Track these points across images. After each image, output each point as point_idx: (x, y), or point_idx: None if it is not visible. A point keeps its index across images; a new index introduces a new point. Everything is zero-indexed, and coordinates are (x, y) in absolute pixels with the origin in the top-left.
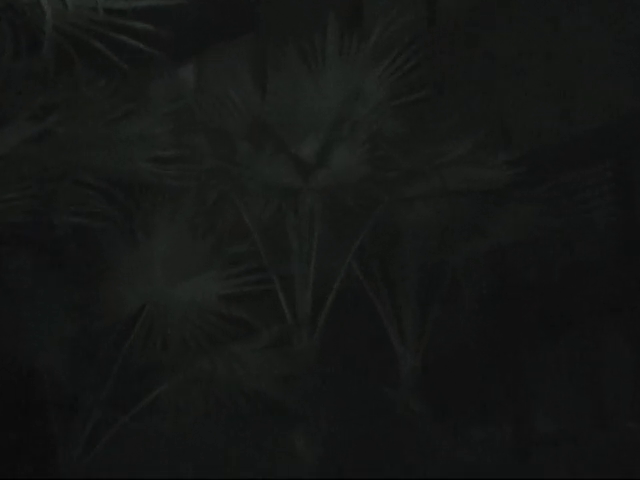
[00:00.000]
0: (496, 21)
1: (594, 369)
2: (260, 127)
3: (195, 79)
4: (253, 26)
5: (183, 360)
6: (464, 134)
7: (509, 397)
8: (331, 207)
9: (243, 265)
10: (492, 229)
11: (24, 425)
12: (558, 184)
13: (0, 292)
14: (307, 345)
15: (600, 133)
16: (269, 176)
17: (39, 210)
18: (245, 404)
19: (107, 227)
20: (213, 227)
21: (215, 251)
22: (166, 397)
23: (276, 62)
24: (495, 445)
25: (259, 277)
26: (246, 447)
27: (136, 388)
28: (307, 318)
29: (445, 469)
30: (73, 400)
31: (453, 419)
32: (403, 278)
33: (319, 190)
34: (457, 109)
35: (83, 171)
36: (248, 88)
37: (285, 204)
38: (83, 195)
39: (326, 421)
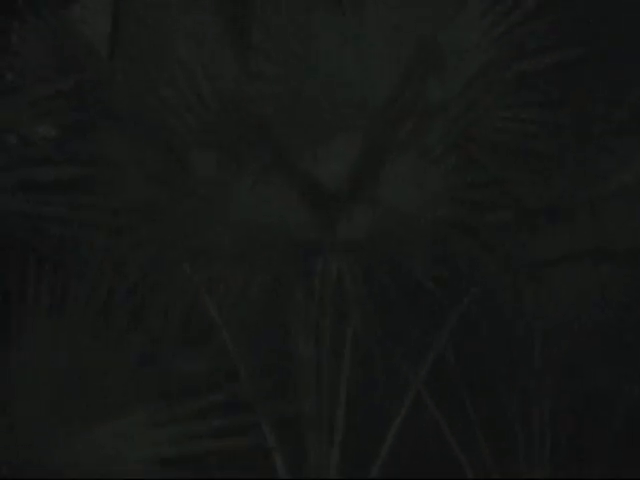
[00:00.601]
0: None
1: None
2: (241, 123)
3: (109, 29)
4: None
5: None
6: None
7: None
8: (378, 282)
9: (202, 398)
10: None
11: None
12: None
13: None
14: None
15: None
16: (256, 219)
17: None
18: None
19: None
20: (140, 322)
21: (147, 368)
22: None
23: None
24: None
25: (235, 421)
26: None
27: None
28: None
29: None
30: None
31: None
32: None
33: (354, 247)
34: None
35: None
36: (213, 46)
37: (288, 275)
38: None
39: None
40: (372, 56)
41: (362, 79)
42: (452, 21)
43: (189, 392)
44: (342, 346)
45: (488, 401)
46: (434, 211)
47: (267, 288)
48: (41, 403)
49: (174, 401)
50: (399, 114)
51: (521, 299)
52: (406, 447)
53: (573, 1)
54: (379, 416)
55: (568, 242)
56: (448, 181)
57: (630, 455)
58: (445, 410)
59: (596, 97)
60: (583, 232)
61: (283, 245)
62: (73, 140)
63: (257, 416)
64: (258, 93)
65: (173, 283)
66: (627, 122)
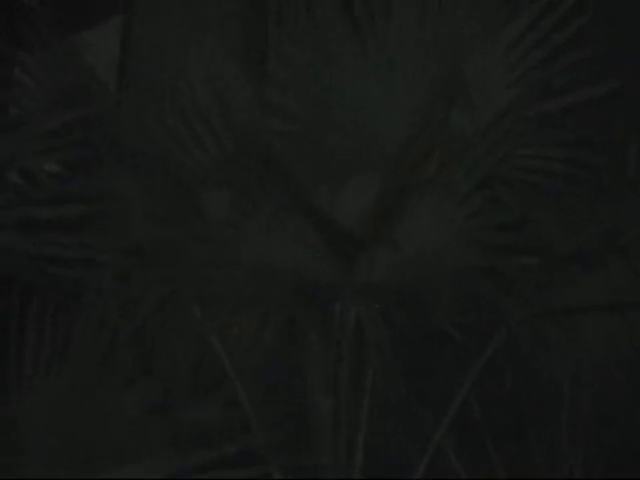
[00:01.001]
0: None
1: None
2: (255, 160)
3: (120, 53)
4: None
5: None
6: None
7: None
8: (399, 327)
9: (214, 448)
10: None
11: None
12: None
13: None
14: None
15: None
16: (270, 261)
17: None
18: None
19: None
20: (149, 368)
21: (155, 417)
22: None
23: (285, 23)
24: None
25: (249, 473)
26: None
27: None
28: None
29: None
30: None
31: None
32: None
33: (373, 291)
34: None
35: None
36: (226, 77)
37: (303, 320)
38: None
39: None
40: (394, 89)
41: (383, 114)
42: (477, 55)
43: (200, 442)
44: (361, 395)
45: (514, 452)
46: (457, 254)
47: (282, 333)
48: (45, 454)
49: (184, 451)
50: (421, 152)
51: (549, 347)
52: None
53: (605, 35)
54: (398, 468)
55: (600, 290)
56: (472, 223)
57: None
58: (468, 462)
59: (631, 134)
60: (616, 280)
61: (299, 288)
62: (79, 177)
63: (271, 468)
64: (274, 127)
65: (183, 327)
66: None
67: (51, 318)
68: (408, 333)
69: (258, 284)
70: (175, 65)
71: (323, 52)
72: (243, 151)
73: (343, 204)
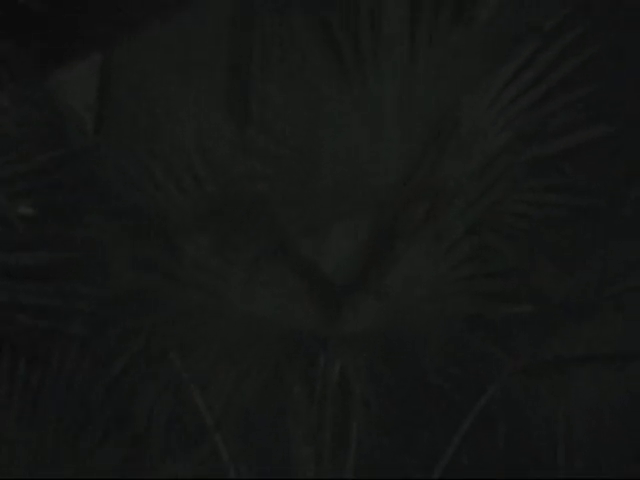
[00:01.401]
0: None
1: None
2: (237, 205)
3: (98, 94)
4: None
5: None
6: None
7: None
8: (385, 380)
9: None
10: None
11: None
12: None
13: None
14: None
15: None
16: (252, 310)
17: None
18: None
19: None
20: (123, 422)
21: (131, 474)
22: None
23: (269, 63)
24: None
25: None
26: None
27: None
28: None
29: None
30: None
31: None
32: None
33: (359, 342)
34: None
35: None
36: (208, 119)
37: (286, 372)
38: None
39: None
40: (382, 132)
41: (371, 157)
42: (469, 98)
43: None
44: (345, 451)
45: None
46: (447, 303)
47: (264, 385)
48: None
49: None
50: (410, 197)
51: (541, 399)
52: None
53: (601, 76)
54: None
55: (593, 341)
56: (462, 270)
57: None
58: None
59: (627, 179)
60: (609, 330)
61: (282, 339)
62: (54, 221)
63: None
64: (257, 171)
65: (161, 378)
66: None
67: (23, 370)
68: (395, 386)
69: (240, 333)
70: (156, 107)
71: (308, 94)
72: (225, 195)
73: (329, 250)
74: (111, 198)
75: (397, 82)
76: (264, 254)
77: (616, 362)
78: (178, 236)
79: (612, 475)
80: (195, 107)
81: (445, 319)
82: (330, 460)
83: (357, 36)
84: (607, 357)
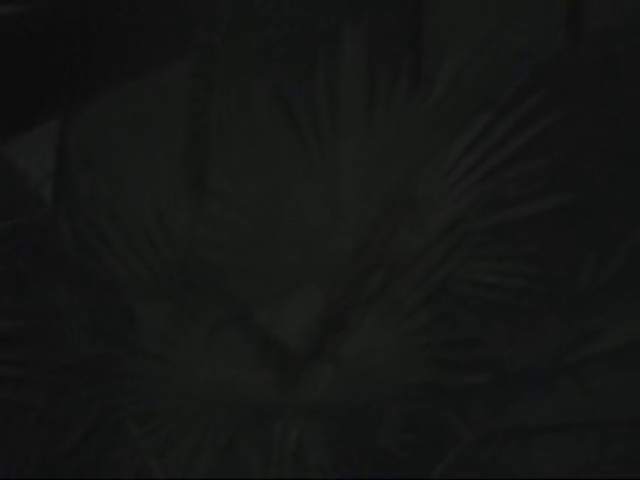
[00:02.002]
0: None
1: None
2: (194, 272)
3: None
4: (180, 54)
5: None
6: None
7: None
8: (342, 449)
9: None
10: None
11: None
12: None
13: None
14: None
15: None
16: (208, 379)
17: None
18: None
19: None
20: None
21: None
22: None
23: (227, 131)
24: None
25: None
26: None
27: None
28: None
29: None
30: None
31: None
32: None
33: (315, 411)
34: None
35: None
36: (166, 187)
37: (243, 441)
38: None
39: None
40: (339, 202)
41: (328, 227)
42: (426, 167)
43: None
44: None
45: None
46: (404, 372)
47: (220, 454)
48: None
49: None
50: (366, 266)
51: (499, 468)
52: None
53: (557, 146)
54: None
55: (551, 409)
56: (420, 339)
57: None
58: None
59: (585, 248)
60: (567, 399)
61: (238, 407)
62: (9, 290)
63: None
64: (214, 239)
65: (117, 447)
66: (620, 275)
67: None
68: (352, 455)
69: (197, 402)
70: (114, 175)
71: (266, 163)
72: (182, 263)
73: (285, 319)
74: (68, 266)
75: (354, 152)
76: (221, 323)
77: (573, 432)
78: (134, 304)
79: None
80: (153, 174)
81: (402, 387)
82: None
83: (315, 106)
84: (565, 427)
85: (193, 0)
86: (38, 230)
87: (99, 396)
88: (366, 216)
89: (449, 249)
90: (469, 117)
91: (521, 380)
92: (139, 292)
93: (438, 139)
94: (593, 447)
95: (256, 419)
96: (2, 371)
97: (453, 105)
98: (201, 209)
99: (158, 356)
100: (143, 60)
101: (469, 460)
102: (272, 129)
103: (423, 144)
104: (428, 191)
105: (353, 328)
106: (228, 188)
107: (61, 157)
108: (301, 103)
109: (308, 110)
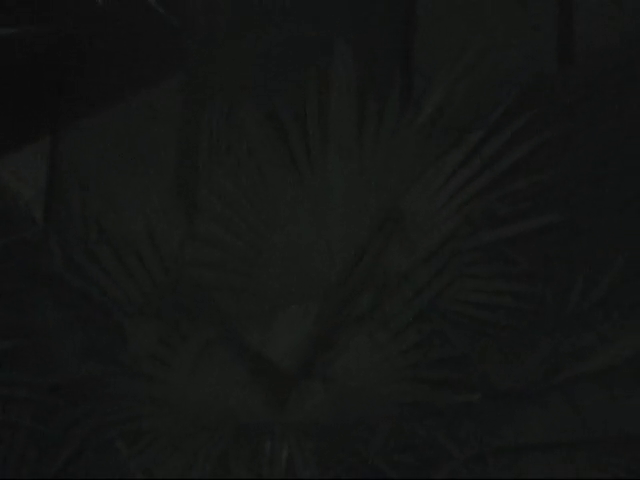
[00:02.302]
0: None
1: None
2: (184, 292)
3: (47, 180)
4: (170, 71)
5: None
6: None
7: None
8: (333, 469)
9: None
10: None
11: None
12: None
13: None
14: None
15: None
16: (198, 398)
17: None
18: None
19: None
20: None
21: None
22: None
23: (217, 151)
24: None
25: None
26: None
27: None
28: None
29: None
30: None
31: None
32: None
33: (306, 431)
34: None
35: None
36: (156, 207)
37: (233, 461)
38: None
39: None
40: (329, 222)
41: (317, 246)
42: (415, 185)
43: None
44: None
45: None
46: (394, 391)
47: (211, 473)
48: None
49: None
50: (356, 285)
51: None
52: None
53: (548, 164)
54: None
55: (541, 428)
56: (410, 358)
57: None
58: None
59: (574, 267)
60: (556, 418)
61: (228, 427)
62: (0, 309)
63: None
64: (204, 259)
65: (108, 467)
66: (610, 294)
67: None
68: (342, 475)
69: (186, 421)
70: (105, 194)
71: (256, 182)
72: (173, 282)
73: (275, 338)
74: (58, 285)
75: (344, 172)
76: (211, 342)
77: (564, 450)
78: (124, 323)
79: None
80: (144, 193)
81: (392, 407)
82: None
83: (305, 126)
84: (555, 445)
85: (183, 18)
86: (29, 249)
87: (89, 416)
88: (356, 235)
89: (439, 268)
90: (459, 136)
91: (511, 399)
92: (129, 311)
93: (427, 158)
94: (584, 465)
95: (246, 438)
96: None
97: (443, 124)
98: (191, 228)
99: (148, 376)
100: (133, 78)
101: (460, 479)
102: (262, 149)
103: (413, 163)
104: (417, 210)
105: (343, 347)
106: (218, 207)
107: (52, 176)
108: (291, 123)
109: (298, 130)
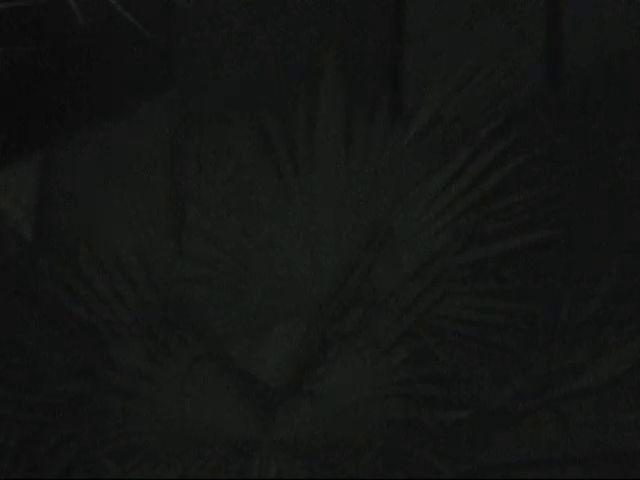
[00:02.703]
0: None
1: None
2: (172, 310)
3: (36, 197)
4: (161, 89)
5: None
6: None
7: None
8: None
9: None
10: None
11: None
12: None
13: None
14: None
15: None
16: (187, 415)
17: None
18: None
19: None
20: None
21: None
22: None
23: (206, 168)
24: None
25: None
26: None
27: None
28: None
29: None
30: None
31: None
32: None
33: (294, 447)
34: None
35: None
36: (145, 225)
37: (222, 476)
38: None
39: None
40: (317, 238)
41: (305, 263)
42: (404, 202)
43: None
44: None
45: None
46: (383, 408)
47: None
48: None
49: None
50: (345, 302)
51: None
52: None
53: (538, 181)
54: None
55: (532, 445)
56: (398, 375)
57: None
58: None
59: (565, 283)
60: (547, 435)
61: (217, 444)
62: None
63: None
64: (192, 276)
65: None
66: (601, 311)
67: None
68: None
69: (175, 439)
70: (93, 213)
71: (245, 199)
72: (160, 300)
73: (263, 355)
74: (46, 304)
75: (332, 189)
76: (199, 359)
77: (555, 467)
78: (113, 341)
79: None
80: (133, 212)
81: (381, 424)
82: None
83: (293, 142)
84: (546, 462)
85: (174, 36)
86: (18, 268)
87: (77, 434)
88: (344, 252)
89: (428, 285)
90: (447, 153)
91: (501, 416)
92: (118, 329)
93: (416, 175)
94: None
95: (235, 455)
96: None
97: (432, 141)
98: (179, 245)
99: (136, 393)
100: (123, 96)
101: None
102: (251, 165)
103: (401, 180)
104: (406, 227)
105: (331, 364)
106: (206, 224)
107: (42, 195)
108: (279, 140)
109: (287, 146)
